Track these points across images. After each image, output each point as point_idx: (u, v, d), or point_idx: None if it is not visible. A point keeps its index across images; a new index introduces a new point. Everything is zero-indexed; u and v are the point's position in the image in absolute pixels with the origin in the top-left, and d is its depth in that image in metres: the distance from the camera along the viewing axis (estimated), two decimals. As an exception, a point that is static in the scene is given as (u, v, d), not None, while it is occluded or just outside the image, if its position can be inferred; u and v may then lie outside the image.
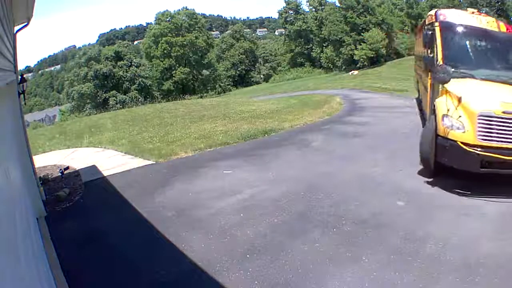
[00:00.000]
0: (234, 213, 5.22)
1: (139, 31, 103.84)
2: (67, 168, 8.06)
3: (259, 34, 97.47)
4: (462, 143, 5.21)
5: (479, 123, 5.15)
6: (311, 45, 51.88)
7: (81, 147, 10.76)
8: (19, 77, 5.95)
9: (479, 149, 5.11)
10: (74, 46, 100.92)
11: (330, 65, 46.18)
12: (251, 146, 9.03)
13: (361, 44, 39.16)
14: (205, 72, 47.17)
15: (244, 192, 5.95)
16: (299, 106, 15.52)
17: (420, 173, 5.98)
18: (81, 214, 5.80)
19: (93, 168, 8.11)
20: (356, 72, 35.37)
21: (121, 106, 34.76)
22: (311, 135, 9.46)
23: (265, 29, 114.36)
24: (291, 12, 53.16)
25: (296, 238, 4.42)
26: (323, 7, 48.82)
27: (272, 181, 6.39)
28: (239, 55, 56.49)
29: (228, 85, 52.87)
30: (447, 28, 6.39)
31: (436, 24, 6.45)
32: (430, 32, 6.65)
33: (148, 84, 43.35)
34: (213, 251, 4.28)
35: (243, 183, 6.37)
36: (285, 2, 53.09)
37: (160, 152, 8.83)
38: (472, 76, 5.89)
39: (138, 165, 8.05)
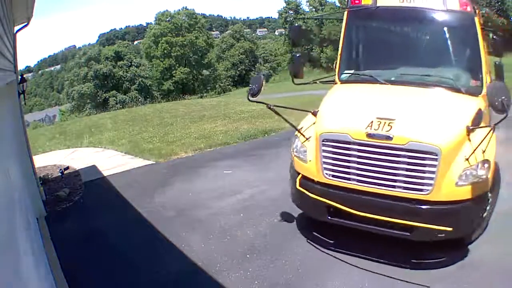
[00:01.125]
0: (234, 213, 5.22)
1: (139, 31, 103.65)
2: (67, 168, 8.06)
3: (259, 34, 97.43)
4: (303, 178, 3.85)
5: (324, 150, 3.71)
6: (311, 45, 51.87)
7: (81, 147, 10.75)
8: (19, 77, 5.94)
9: (325, 190, 3.67)
10: (74, 46, 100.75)
11: (330, 65, 46.19)
12: (251, 146, 9.02)
13: (361, 44, 39.18)
14: (205, 72, 47.16)
15: (244, 192, 5.95)
16: (299, 106, 15.50)
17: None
18: (81, 214, 5.80)
19: (93, 168, 8.11)
20: (356, 72, 35.32)
21: (121, 106, 34.69)
22: (311, 135, 9.44)
23: (265, 29, 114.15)
24: (291, 12, 53.15)
25: (296, 238, 4.42)
26: (323, 7, 48.84)
27: (272, 181, 6.37)
28: (239, 55, 56.47)
29: (228, 85, 52.82)
30: (356, 14, 4.63)
31: (346, 11, 4.73)
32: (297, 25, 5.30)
33: (148, 84, 43.34)
34: (213, 251, 4.28)
35: (243, 183, 6.36)
36: (285, 2, 53.07)
37: (160, 152, 8.83)
38: (374, 79, 4.28)
39: (138, 165, 8.05)
